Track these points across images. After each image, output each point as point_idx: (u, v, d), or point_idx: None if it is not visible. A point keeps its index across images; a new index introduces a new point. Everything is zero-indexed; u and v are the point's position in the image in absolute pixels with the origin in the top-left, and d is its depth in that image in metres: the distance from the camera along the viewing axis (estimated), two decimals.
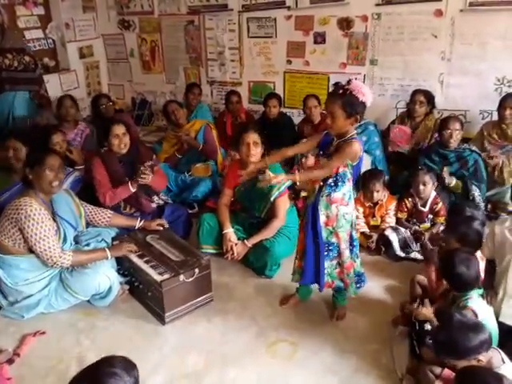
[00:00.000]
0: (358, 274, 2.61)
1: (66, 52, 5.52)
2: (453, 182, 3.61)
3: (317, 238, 2.48)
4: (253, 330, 2.62)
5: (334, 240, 2.48)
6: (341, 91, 2.24)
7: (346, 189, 2.41)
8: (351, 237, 2.52)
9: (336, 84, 2.32)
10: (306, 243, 2.53)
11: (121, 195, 3.33)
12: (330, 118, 2.28)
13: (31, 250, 2.62)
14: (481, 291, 2.21)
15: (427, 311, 2.24)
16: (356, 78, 2.36)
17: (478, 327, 1.86)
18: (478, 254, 2.60)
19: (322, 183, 2.40)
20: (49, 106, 5.10)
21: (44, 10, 5.30)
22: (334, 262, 2.52)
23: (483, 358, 1.81)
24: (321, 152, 2.44)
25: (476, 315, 2.08)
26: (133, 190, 3.32)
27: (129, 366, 1.52)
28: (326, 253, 2.50)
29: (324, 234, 2.47)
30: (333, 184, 2.38)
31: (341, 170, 2.35)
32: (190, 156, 4.41)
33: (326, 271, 2.53)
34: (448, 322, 1.90)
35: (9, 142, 3.38)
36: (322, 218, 2.44)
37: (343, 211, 2.43)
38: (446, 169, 3.58)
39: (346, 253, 2.51)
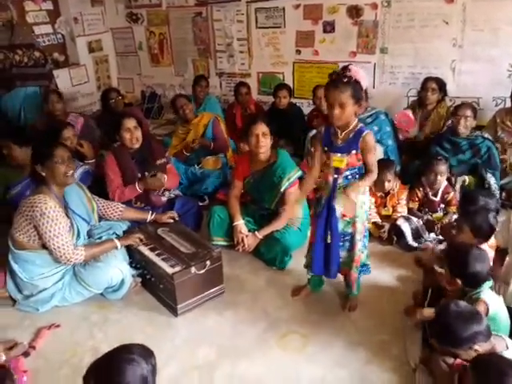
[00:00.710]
0: (363, 265, 2.61)
1: (75, 47, 5.56)
2: (466, 180, 3.56)
3: (330, 232, 2.46)
4: (264, 322, 2.62)
5: (350, 230, 2.47)
6: (346, 79, 2.21)
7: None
8: (365, 228, 2.52)
9: (335, 73, 2.26)
10: (316, 236, 2.52)
11: (129, 196, 3.34)
12: (339, 109, 2.23)
13: (45, 246, 2.65)
14: (490, 283, 2.19)
15: (428, 312, 2.22)
16: (351, 64, 2.28)
17: (473, 317, 1.85)
18: (488, 243, 2.59)
19: (336, 175, 2.38)
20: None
21: (52, 5, 5.34)
22: (351, 251, 2.52)
23: (479, 347, 1.79)
24: (325, 148, 2.40)
25: (488, 307, 2.07)
26: (140, 190, 3.33)
27: (147, 353, 1.54)
28: (341, 243, 2.49)
29: (341, 225, 2.45)
30: (350, 177, 2.37)
31: (359, 163, 2.35)
32: (199, 148, 4.41)
33: (342, 260, 2.53)
34: (444, 311, 1.90)
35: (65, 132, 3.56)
36: (340, 210, 2.42)
37: (361, 200, 2.42)
38: (459, 179, 3.57)
39: (359, 245, 2.51)
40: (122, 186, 3.36)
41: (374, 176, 2.37)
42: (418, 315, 2.29)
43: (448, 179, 3.47)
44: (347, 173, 2.36)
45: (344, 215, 2.43)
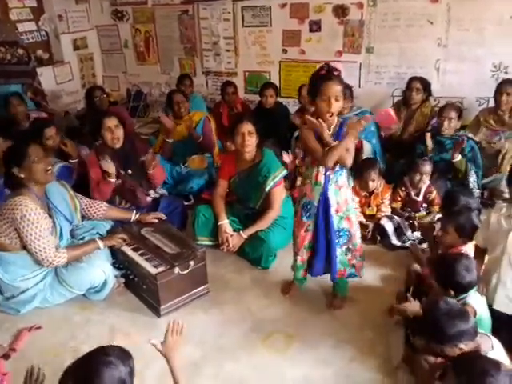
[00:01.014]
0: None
1: (59, 44, 5.48)
2: (458, 157, 3.58)
3: (328, 229, 2.47)
4: (248, 321, 2.62)
5: (344, 225, 2.48)
6: (336, 73, 2.23)
7: (347, 172, 2.45)
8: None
9: (326, 68, 2.26)
10: (317, 236, 2.51)
11: (104, 189, 3.29)
12: (335, 102, 2.23)
13: (26, 248, 2.61)
14: (476, 287, 2.20)
15: (412, 307, 2.24)
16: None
17: (461, 315, 1.85)
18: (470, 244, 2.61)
19: (328, 172, 2.38)
20: (43, 99, 5.09)
21: (36, 2, 5.25)
22: (344, 247, 2.52)
23: (465, 346, 1.80)
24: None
25: (475, 311, 2.09)
26: (111, 180, 3.27)
27: (124, 355, 1.52)
28: (336, 240, 2.49)
29: (335, 221, 2.46)
30: (339, 168, 2.39)
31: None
32: (185, 147, 4.38)
33: (337, 259, 2.53)
34: (433, 307, 1.90)
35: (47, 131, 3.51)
36: (334, 206, 2.43)
37: (349, 195, 2.47)
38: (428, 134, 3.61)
39: (358, 235, 2.53)
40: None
41: (350, 156, 2.33)
42: (405, 310, 2.28)
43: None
44: (337, 167, 2.37)
45: (337, 210, 2.44)
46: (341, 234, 2.48)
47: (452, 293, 2.11)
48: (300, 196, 2.56)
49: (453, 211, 2.62)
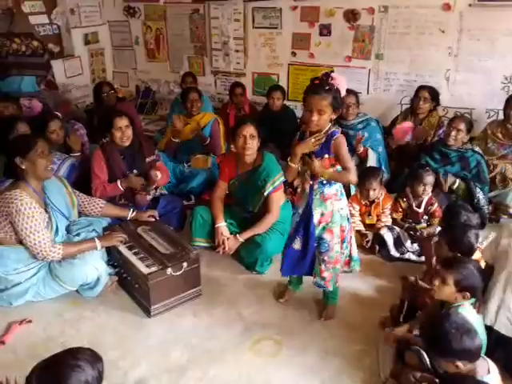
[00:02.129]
0: (355, 259, 2.61)
1: (70, 38, 5.49)
2: (456, 182, 3.54)
3: (307, 238, 2.44)
4: (239, 326, 2.60)
5: (325, 236, 2.44)
6: (327, 87, 2.18)
7: (338, 184, 2.40)
8: (343, 230, 2.49)
9: (317, 78, 2.23)
10: (293, 236, 2.50)
11: (111, 192, 3.31)
12: (317, 115, 2.22)
13: (21, 242, 2.63)
14: (472, 300, 2.16)
15: (401, 331, 2.21)
16: (332, 71, 2.25)
17: (469, 333, 1.80)
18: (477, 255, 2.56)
19: (312, 182, 2.36)
20: (55, 91, 5.11)
21: None
22: (320, 257, 2.48)
23: (462, 365, 1.76)
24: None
25: None
26: (122, 189, 3.31)
27: (94, 359, 1.51)
28: (315, 245, 2.46)
29: (316, 231, 2.44)
30: (325, 182, 2.36)
31: (333, 168, 2.33)
32: (190, 146, 4.38)
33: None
34: (447, 318, 1.84)
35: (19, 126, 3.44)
36: (317, 217, 2.41)
37: (338, 206, 2.42)
38: (444, 177, 3.53)
39: (336, 248, 2.48)
40: (106, 182, 3.33)
41: (350, 173, 2.28)
42: (392, 337, 2.25)
43: (437, 180, 3.43)
44: (321, 178, 2.34)
45: (320, 222, 2.41)
46: (320, 242, 2.45)
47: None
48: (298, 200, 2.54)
49: (449, 224, 2.57)
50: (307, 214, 2.41)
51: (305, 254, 2.49)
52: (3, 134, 3.33)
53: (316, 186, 2.36)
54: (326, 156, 2.30)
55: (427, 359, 1.97)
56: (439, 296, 2.13)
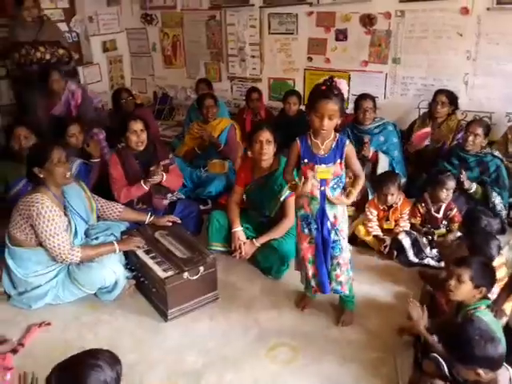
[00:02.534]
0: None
1: (89, 45, 5.59)
2: (473, 187, 3.49)
3: (326, 244, 2.44)
4: (255, 331, 2.59)
5: (337, 238, 2.43)
6: (336, 92, 2.19)
7: (342, 187, 2.43)
8: None
9: (324, 84, 2.23)
10: (316, 252, 2.48)
11: (135, 194, 3.35)
12: (328, 120, 2.21)
13: (41, 244, 2.66)
14: (488, 302, 2.12)
15: (418, 327, 2.19)
16: (335, 77, 2.27)
17: (493, 341, 1.76)
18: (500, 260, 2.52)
19: (323, 188, 2.35)
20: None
21: (68, 4, 5.37)
22: (335, 261, 2.47)
23: (483, 373, 1.73)
24: (305, 160, 2.35)
25: None
26: (146, 188, 3.33)
27: (113, 360, 1.54)
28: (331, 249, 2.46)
29: (331, 235, 2.43)
30: (335, 186, 2.37)
31: (342, 171, 2.36)
32: (207, 151, 4.41)
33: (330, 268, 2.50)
34: (472, 324, 1.83)
35: (18, 129, 3.50)
36: (331, 220, 2.40)
37: (344, 206, 2.45)
38: (464, 173, 3.46)
39: (347, 248, 2.48)
40: (126, 185, 3.36)
41: (362, 179, 2.45)
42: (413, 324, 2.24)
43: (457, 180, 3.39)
44: (332, 183, 2.34)
45: (334, 225, 2.41)
46: (333, 245, 2.44)
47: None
48: (297, 207, 2.52)
49: (472, 231, 2.54)
50: (322, 220, 2.40)
51: (325, 260, 2.47)
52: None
53: (328, 192, 2.35)
54: (339, 161, 2.32)
55: (445, 367, 1.94)
56: (457, 296, 2.12)
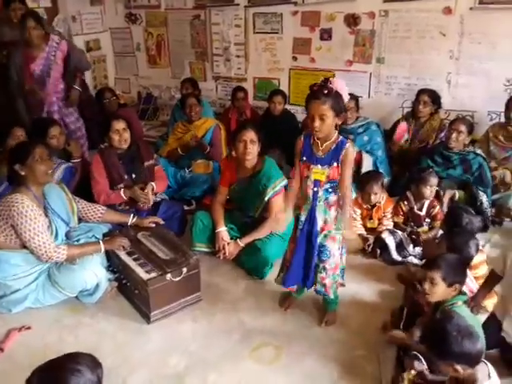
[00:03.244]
0: (342, 268, 2.58)
1: None
2: (456, 195, 3.52)
3: (310, 244, 2.43)
4: (238, 332, 2.58)
5: (327, 243, 2.42)
6: (326, 91, 2.17)
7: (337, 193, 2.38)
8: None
9: (316, 84, 2.22)
10: (296, 247, 2.48)
11: (114, 201, 3.33)
12: (319, 121, 2.20)
13: (23, 246, 2.62)
14: (465, 297, 2.14)
15: (398, 335, 2.21)
16: (332, 77, 2.25)
17: (471, 337, 1.77)
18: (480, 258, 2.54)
19: (316, 188, 2.34)
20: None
21: (51, 3, 5.30)
22: (322, 264, 2.46)
23: (461, 369, 1.73)
24: (304, 158, 2.35)
25: None
26: (125, 198, 3.32)
27: (93, 364, 1.52)
28: (316, 252, 2.44)
29: (318, 239, 2.42)
30: (330, 190, 2.34)
31: (338, 176, 2.31)
32: (191, 152, 4.38)
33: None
34: (449, 320, 1.83)
35: (15, 130, 3.48)
36: (320, 224, 2.39)
37: (336, 216, 2.39)
38: (447, 192, 3.51)
39: (336, 254, 2.46)
40: (108, 189, 3.33)
41: (348, 198, 2.35)
42: (389, 336, 2.26)
43: (436, 192, 3.41)
44: (327, 186, 2.32)
45: (323, 229, 2.39)
46: (321, 249, 2.43)
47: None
48: (296, 207, 2.51)
49: (452, 231, 2.55)
50: (310, 221, 2.39)
51: (307, 263, 2.47)
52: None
53: (321, 193, 2.34)
54: (335, 164, 2.28)
55: (424, 364, 1.95)
56: (433, 298, 2.15)
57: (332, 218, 2.38)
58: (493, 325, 2.23)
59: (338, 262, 2.49)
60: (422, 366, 1.99)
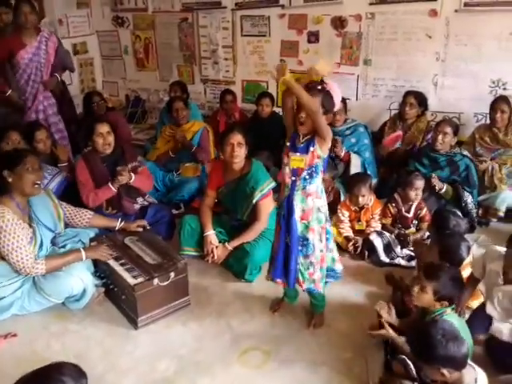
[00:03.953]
0: (332, 270, 2.56)
1: None
2: (444, 187, 3.54)
3: (289, 234, 2.42)
4: (227, 336, 2.57)
5: (309, 236, 2.42)
6: (319, 87, 2.20)
7: (319, 181, 2.39)
8: (326, 230, 2.47)
9: (310, 82, 2.26)
10: (279, 238, 2.49)
11: (103, 196, 3.30)
12: (306, 115, 2.22)
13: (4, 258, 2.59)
14: (453, 305, 2.15)
15: (386, 332, 2.20)
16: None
17: (456, 341, 1.78)
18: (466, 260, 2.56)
19: (294, 178, 2.35)
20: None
21: (37, 6, 5.23)
22: (308, 260, 2.45)
23: (447, 373, 1.74)
24: (288, 144, 2.38)
25: None
26: (114, 189, 3.28)
27: (78, 374, 1.51)
28: (300, 247, 2.44)
29: (299, 228, 2.41)
30: (308, 177, 2.35)
31: (315, 161, 2.32)
32: (180, 155, 4.37)
33: (299, 267, 2.46)
34: (434, 325, 1.84)
35: (10, 134, 3.46)
36: (298, 213, 2.39)
37: (318, 204, 2.40)
38: (434, 175, 3.50)
39: (319, 246, 2.45)
40: (94, 189, 3.31)
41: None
42: (383, 331, 2.25)
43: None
44: (305, 173, 2.33)
45: (302, 218, 2.39)
46: (305, 243, 2.42)
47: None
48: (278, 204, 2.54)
49: (443, 234, 2.57)
50: (288, 209, 2.40)
51: (287, 256, 2.46)
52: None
53: (299, 182, 2.35)
54: (311, 149, 2.30)
55: (413, 368, 1.96)
56: (418, 302, 2.16)
57: (309, 208, 2.38)
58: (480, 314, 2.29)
59: (324, 257, 2.48)
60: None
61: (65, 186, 3.58)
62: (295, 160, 2.33)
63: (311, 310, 2.68)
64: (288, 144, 2.37)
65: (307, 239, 2.42)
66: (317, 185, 2.37)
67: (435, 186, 3.48)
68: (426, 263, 2.29)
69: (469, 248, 2.53)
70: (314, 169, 2.34)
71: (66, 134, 4.44)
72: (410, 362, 1.97)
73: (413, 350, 1.87)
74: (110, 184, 3.27)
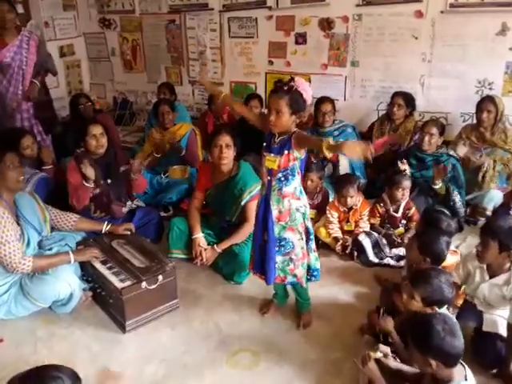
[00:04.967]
0: (313, 269, 2.55)
1: None
2: (439, 184, 3.55)
3: (266, 232, 2.42)
4: (216, 338, 2.56)
5: (287, 235, 2.41)
6: (286, 87, 2.21)
7: (297, 182, 2.38)
8: (307, 229, 2.47)
9: (279, 81, 2.28)
10: (256, 236, 2.51)
11: (84, 194, 3.25)
12: (275, 115, 2.23)
13: None
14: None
15: (386, 324, 2.19)
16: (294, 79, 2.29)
17: (453, 336, 1.77)
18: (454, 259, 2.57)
19: (270, 178, 2.36)
20: None
21: (23, 8, 5.20)
22: (287, 257, 2.44)
23: (435, 366, 1.74)
24: (264, 144, 2.39)
25: None
26: (87, 184, 3.24)
27: (74, 377, 1.50)
28: (277, 248, 2.43)
29: (276, 229, 2.41)
30: (283, 178, 2.34)
31: (290, 163, 2.31)
32: (167, 157, 4.34)
33: (277, 265, 2.46)
34: (435, 317, 1.82)
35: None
36: (275, 213, 2.39)
37: (296, 205, 2.39)
38: (404, 160, 3.48)
39: (300, 244, 2.44)
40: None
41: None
42: (382, 322, 2.25)
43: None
44: (279, 175, 2.33)
45: (279, 219, 2.39)
46: (282, 243, 2.42)
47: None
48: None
49: (423, 230, 2.58)
50: (264, 208, 2.41)
51: (263, 254, 2.47)
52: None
53: (274, 183, 2.35)
54: (286, 152, 2.29)
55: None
56: (408, 307, 2.15)
57: (286, 209, 2.37)
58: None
59: (305, 252, 2.47)
60: (386, 348, 2.02)
61: (45, 185, 3.55)
62: (269, 160, 2.34)
63: (297, 311, 2.68)
64: (264, 144, 2.39)
65: (285, 239, 2.42)
66: (294, 186, 2.36)
67: (405, 169, 3.46)
68: (412, 271, 2.30)
69: (448, 243, 2.52)
70: (289, 171, 2.33)
71: (46, 137, 4.39)
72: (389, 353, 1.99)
73: (409, 335, 1.86)
74: (83, 183, 3.26)
